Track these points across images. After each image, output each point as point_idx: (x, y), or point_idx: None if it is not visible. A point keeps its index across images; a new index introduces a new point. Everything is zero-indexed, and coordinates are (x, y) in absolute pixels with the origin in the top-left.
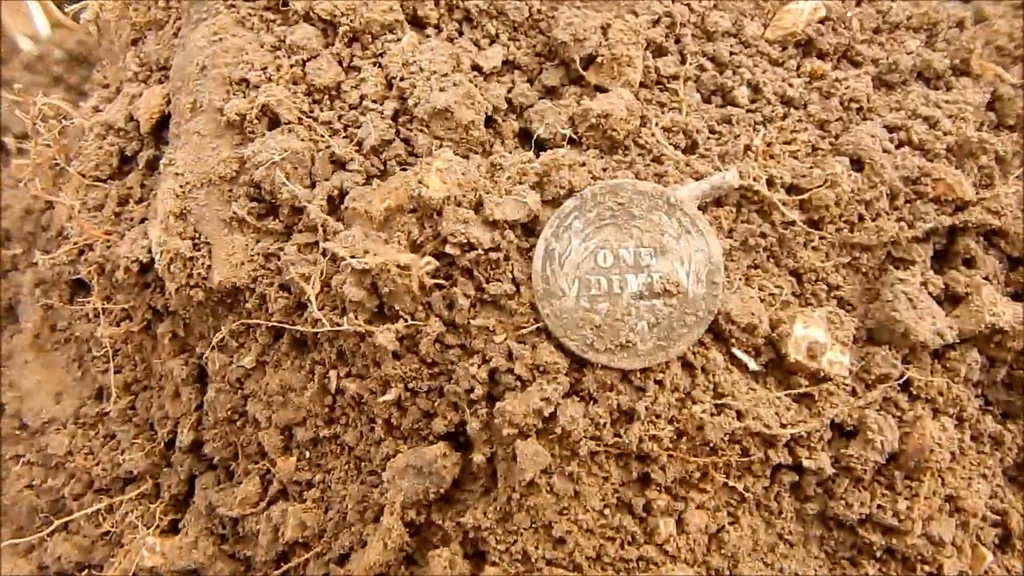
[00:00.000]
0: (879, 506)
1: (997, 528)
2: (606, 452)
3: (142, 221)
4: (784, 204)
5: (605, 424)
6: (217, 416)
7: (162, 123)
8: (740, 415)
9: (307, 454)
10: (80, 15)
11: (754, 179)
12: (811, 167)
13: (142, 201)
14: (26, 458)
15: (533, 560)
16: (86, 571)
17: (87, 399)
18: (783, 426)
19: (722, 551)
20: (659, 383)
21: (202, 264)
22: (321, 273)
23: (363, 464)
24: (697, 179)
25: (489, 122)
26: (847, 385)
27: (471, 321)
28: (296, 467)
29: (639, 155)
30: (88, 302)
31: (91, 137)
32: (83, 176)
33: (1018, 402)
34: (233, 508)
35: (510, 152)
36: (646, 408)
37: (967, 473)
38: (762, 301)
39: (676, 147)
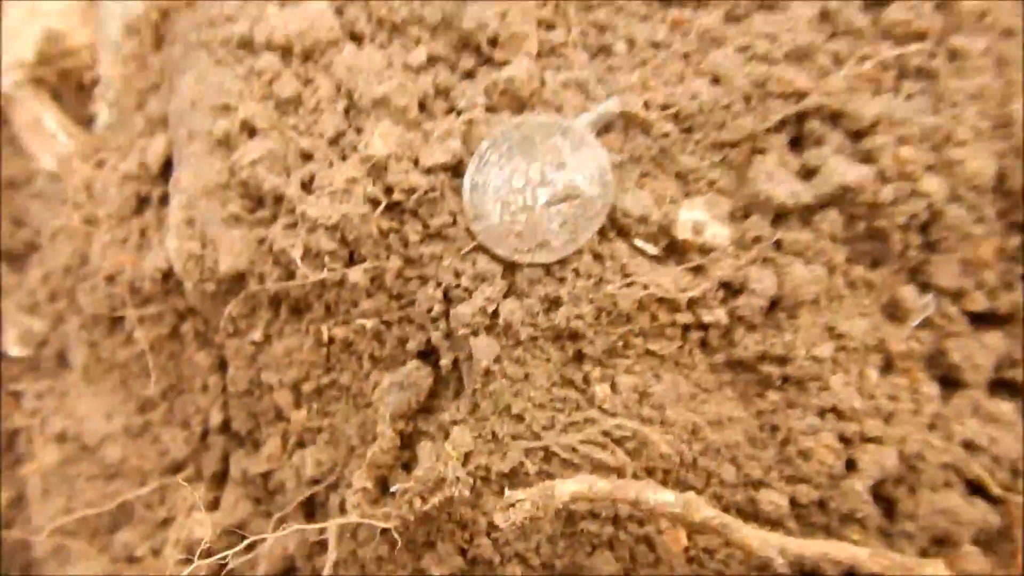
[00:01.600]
0: (771, 343)
1: (881, 354)
2: (543, 336)
3: (160, 244)
4: (659, 120)
5: (538, 312)
6: (238, 391)
7: (167, 164)
8: (645, 287)
9: (314, 404)
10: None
11: (631, 104)
12: (679, 88)
13: (159, 230)
14: (88, 472)
15: (500, 437)
16: (148, 557)
17: (133, 413)
18: (682, 291)
19: (651, 404)
20: (575, 271)
21: (211, 259)
22: (302, 242)
23: (359, 399)
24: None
25: (422, 108)
26: (730, 251)
27: (422, 252)
28: (307, 417)
29: (543, 109)
30: (123, 327)
31: (113, 188)
32: (109, 217)
33: (882, 249)
34: (261, 466)
35: None
36: (568, 293)
37: (847, 313)
38: (654, 199)
39: (571, 97)
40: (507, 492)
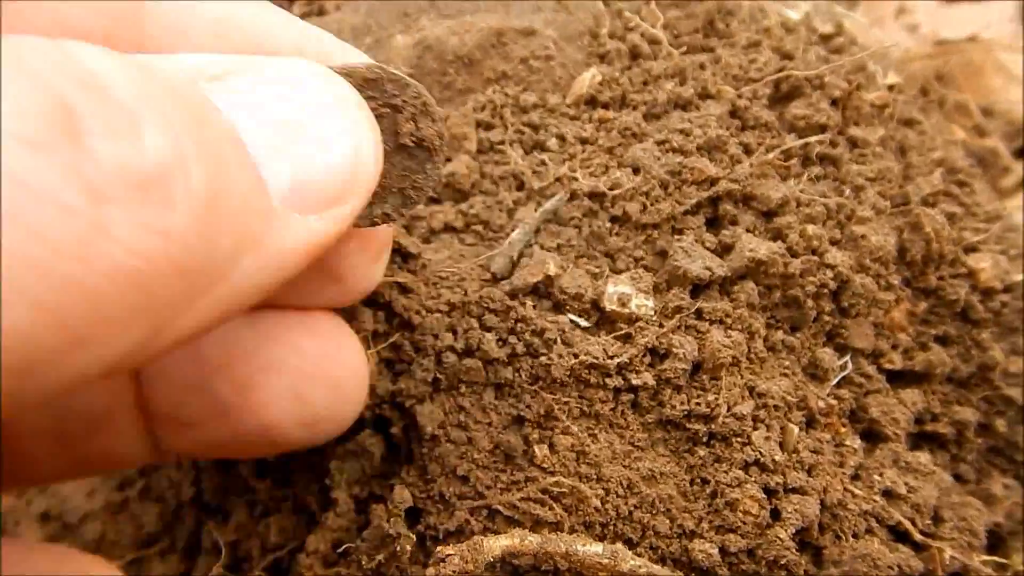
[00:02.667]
0: (696, 403)
1: (803, 411)
2: (486, 403)
3: None
4: (591, 204)
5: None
6: (208, 464)
7: None
8: (576, 356)
9: (278, 474)
10: None
11: (564, 199)
12: (604, 178)
13: None
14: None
15: (447, 498)
16: None
17: (113, 490)
18: (610, 357)
19: (587, 462)
20: (516, 341)
21: None
22: None
23: (317, 468)
24: (536, 208)
25: None
26: (654, 320)
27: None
28: (271, 486)
29: (483, 199)
30: None
31: None
32: None
33: (798, 315)
34: (228, 535)
35: None
36: (506, 357)
37: (768, 373)
38: (589, 276)
39: (509, 188)
40: (437, 549)
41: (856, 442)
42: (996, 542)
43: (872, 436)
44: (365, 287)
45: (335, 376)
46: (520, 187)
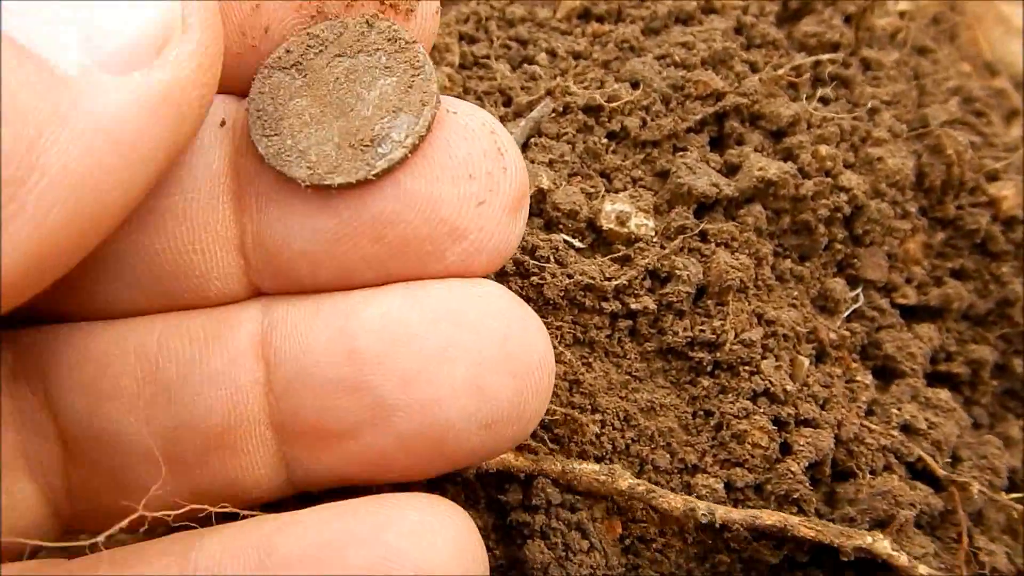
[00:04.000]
0: (700, 329)
1: (813, 343)
2: None
3: None
4: (586, 119)
5: None
6: None
7: None
8: (570, 276)
9: None
10: None
11: (555, 108)
12: (600, 91)
13: None
14: None
15: None
16: None
17: None
18: (607, 279)
19: (581, 392)
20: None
21: None
22: None
23: None
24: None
25: None
26: (655, 241)
27: None
28: None
29: None
30: None
31: None
32: None
33: (808, 242)
34: None
35: None
36: (493, 276)
37: (776, 303)
38: (583, 195)
39: (495, 103)
40: None
41: (868, 378)
42: (1013, 488)
43: (886, 373)
44: (499, 246)
45: (523, 361)
46: (507, 103)
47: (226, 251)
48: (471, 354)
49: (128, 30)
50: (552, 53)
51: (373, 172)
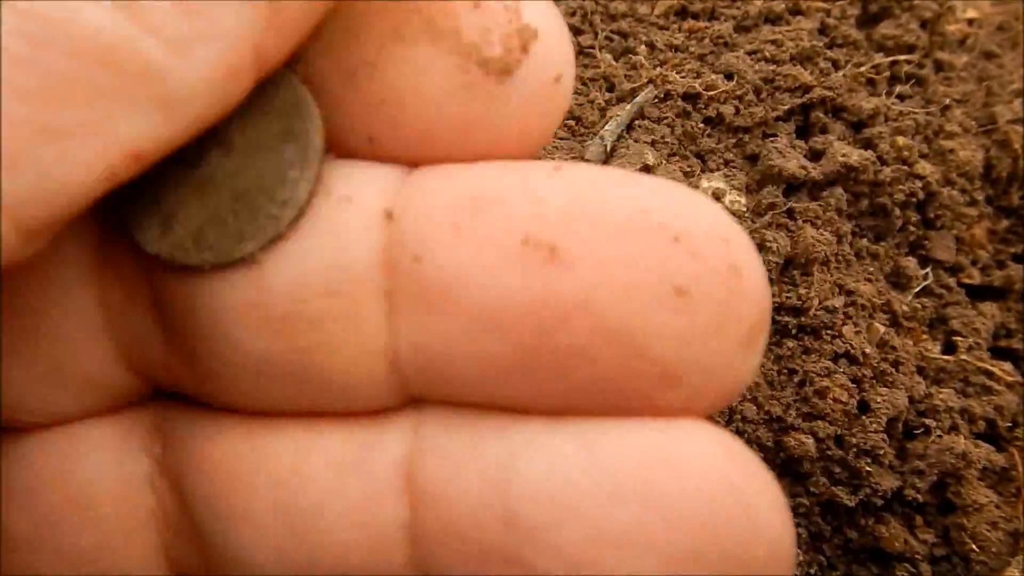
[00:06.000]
0: (787, 296)
1: (887, 314)
2: None
3: None
4: (684, 105)
5: None
6: None
7: None
8: None
9: None
10: None
11: (656, 95)
12: (698, 80)
13: None
14: None
15: None
16: None
17: None
18: None
19: None
20: None
21: None
22: None
23: None
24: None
25: None
26: (747, 216)
27: None
28: None
29: (574, 97)
30: None
31: None
32: None
33: (884, 223)
34: None
35: None
36: None
37: (855, 276)
38: (681, 173)
39: (600, 88)
40: None
41: (937, 348)
42: None
43: (952, 347)
44: (726, 384)
45: (741, 558)
46: (611, 88)
47: (376, 357)
48: (667, 548)
49: None
50: (651, 46)
51: None
